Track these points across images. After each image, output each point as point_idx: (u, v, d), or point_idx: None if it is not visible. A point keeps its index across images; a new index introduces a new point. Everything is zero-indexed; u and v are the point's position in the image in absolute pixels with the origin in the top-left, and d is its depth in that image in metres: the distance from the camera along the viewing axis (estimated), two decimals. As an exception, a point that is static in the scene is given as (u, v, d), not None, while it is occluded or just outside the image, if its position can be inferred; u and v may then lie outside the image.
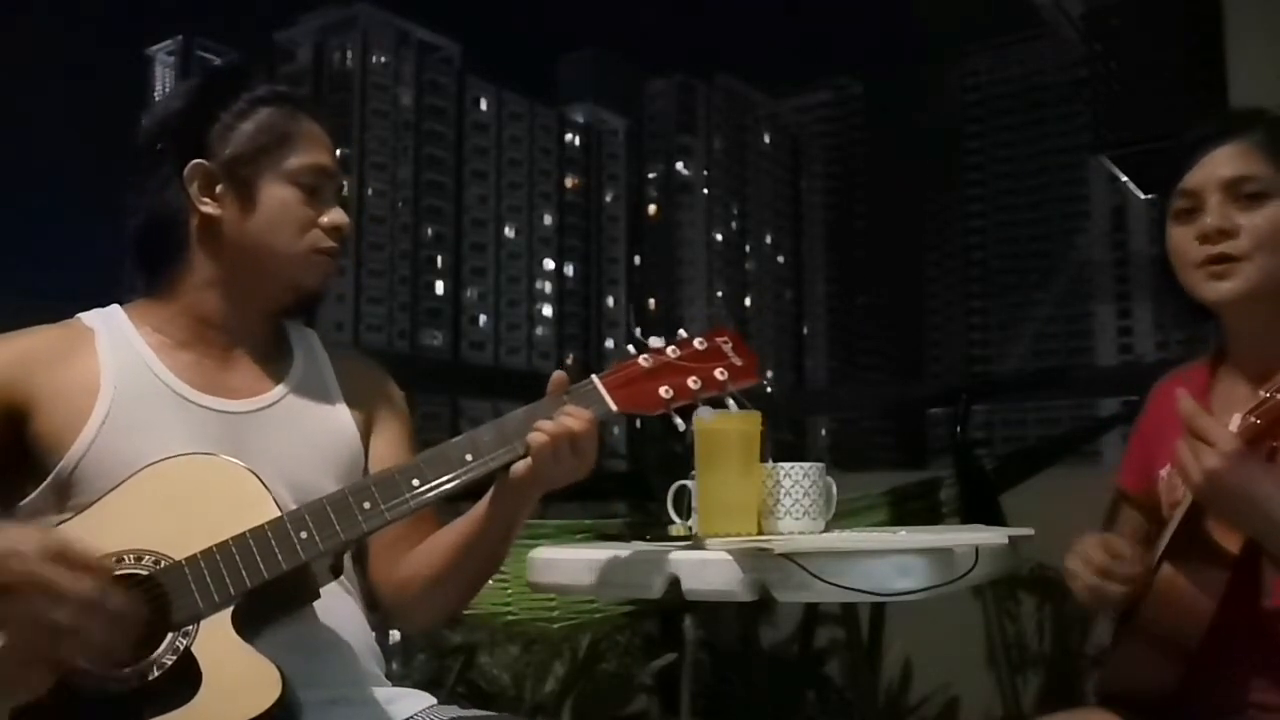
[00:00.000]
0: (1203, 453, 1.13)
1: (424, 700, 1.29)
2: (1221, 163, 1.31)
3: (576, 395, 1.18)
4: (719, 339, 1.24)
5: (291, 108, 1.30)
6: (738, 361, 1.23)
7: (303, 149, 1.28)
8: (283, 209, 1.27)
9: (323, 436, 1.29)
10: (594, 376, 1.20)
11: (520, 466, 1.17)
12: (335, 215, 1.30)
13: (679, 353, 1.22)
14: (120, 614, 1.00)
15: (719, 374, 1.21)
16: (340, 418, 1.32)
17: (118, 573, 1.07)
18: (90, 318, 1.27)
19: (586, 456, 1.17)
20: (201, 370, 1.26)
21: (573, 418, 1.15)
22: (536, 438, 1.15)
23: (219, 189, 1.26)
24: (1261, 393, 1.15)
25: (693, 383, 1.20)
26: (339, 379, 1.35)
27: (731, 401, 1.22)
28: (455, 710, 1.28)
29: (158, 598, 1.07)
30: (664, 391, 1.20)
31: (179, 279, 1.27)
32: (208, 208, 1.25)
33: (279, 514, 1.11)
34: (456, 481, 1.14)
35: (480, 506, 1.24)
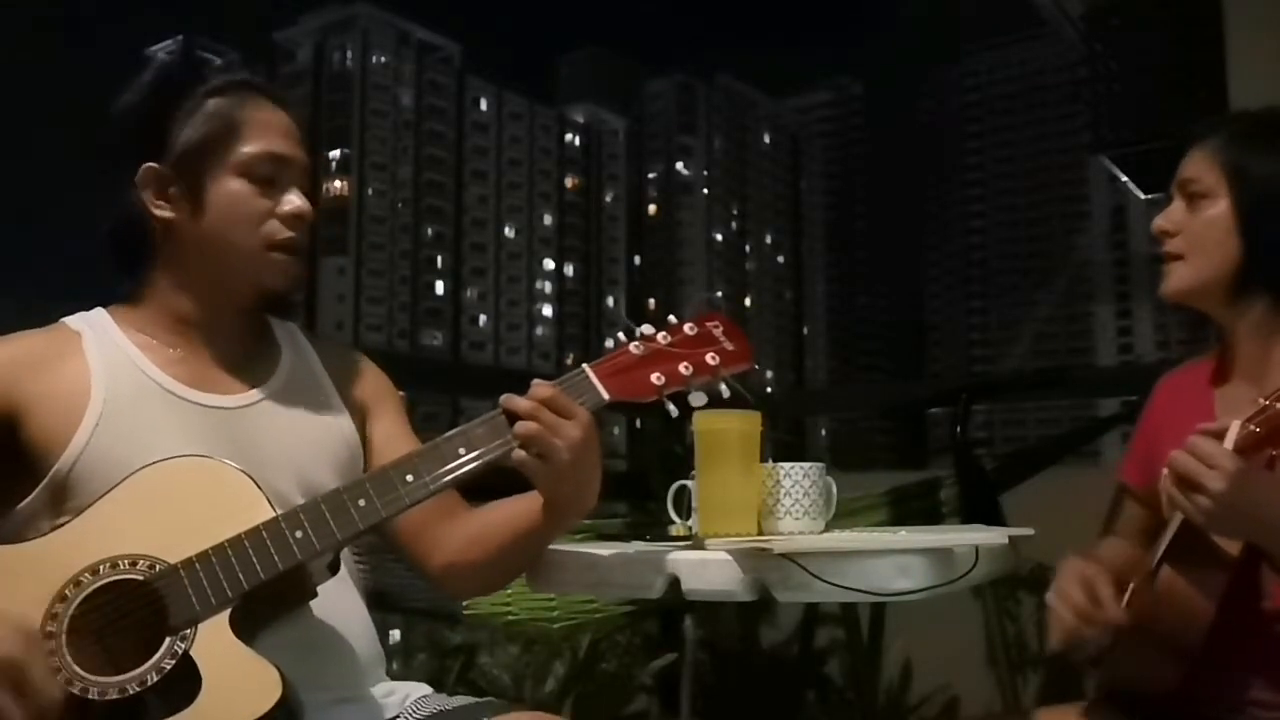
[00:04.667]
0: (1205, 479, 1.11)
1: (420, 690, 1.30)
2: (1183, 165, 1.36)
3: (568, 385, 1.18)
4: (709, 324, 1.23)
5: (242, 94, 1.25)
6: (729, 346, 1.22)
7: (253, 137, 1.24)
8: (233, 203, 1.23)
9: (318, 426, 1.29)
10: (585, 365, 1.20)
11: (536, 468, 1.15)
12: (293, 204, 1.25)
13: (670, 339, 1.21)
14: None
15: (710, 359, 1.20)
16: (333, 407, 1.32)
17: (112, 579, 1.07)
18: (74, 321, 1.27)
19: (560, 440, 1.14)
20: (190, 368, 1.25)
21: (537, 386, 1.14)
22: (520, 425, 1.13)
23: (172, 191, 1.23)
24: (1260, 400, 1.15)
25: (684, 368, 1.19)
26: (327, 369, 1.35)
27: (724, 386, 1.22)
28: (445, 697, 1.28)
29: (154, 602, 1.06)
30: (656, 378, 1.19)
31: (151, 282, 1.26)
32: (163, 211, 1.23)
33: (274, 515, 1.10)
34: (451, 476, 1.14)
35: (526, 519, 1.24)
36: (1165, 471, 1.16)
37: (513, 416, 1.15)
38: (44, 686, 0.99)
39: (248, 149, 1.23)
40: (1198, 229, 1.33)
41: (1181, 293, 1.35)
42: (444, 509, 1.30)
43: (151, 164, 1.23)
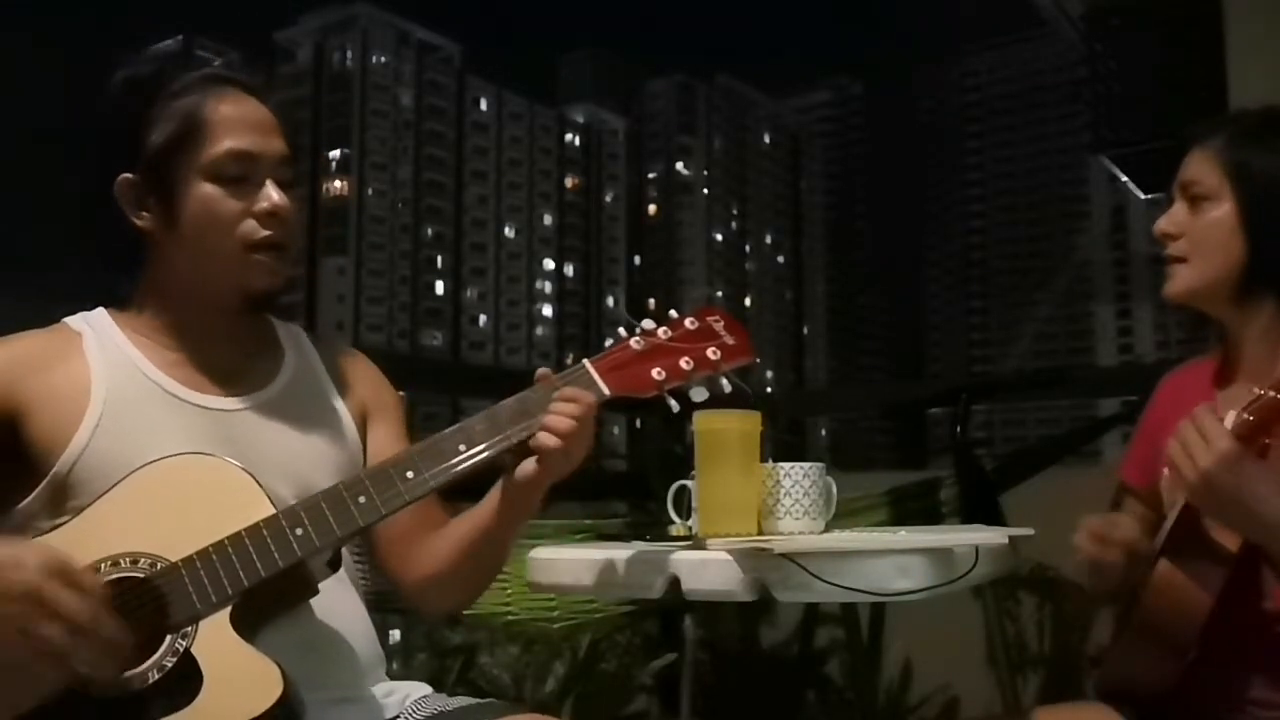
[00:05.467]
0: (1198, 451, 1.13)
1: (421, 690, 1.30)
2: (1183, 167, 1.36)
3: (568, 380, 1.17)
4: (710, 318, 1.23)
5: (207, 89, 1.22)
6: (730, 340, 1.22)
7: (218, 135, 1.20)
8: (205, 209, 1.20)
9: (319, 430, 1.29)
10: (585, 360, 1.19)
11: (528, 466, 1.16)
12: (268, 200, 1.22)
13: (670, 333, 1.21)
14: (110, 641, 0.98)
15: (711, 353, 1.20)
16: (336, 410, 1.32)
17: (114, 576, 1.07)
18: (76, 321, 1.26)
19: (586, 440, 1.15)
20: (191, 369, 1.25)
21: (575, 404, 1.13)
22: (546, 439, 1.13)
23: (149, 200, 1.21)
24: (1255, 390, 1.16)
25: (685, 363, 1.19)
26: (330, 372, 1.34)
27: (725, 380, 1.21)
28: (445, 698, 1.28)
29: (155, 600, 1.06)
30: (656, 373, 1.18)
31: (146, 286, 1.26)
32: (142, 222, 1.22)
33: (274, 512, 1.10)
34: (451, 473, 1.14)
35: (490, 502, 1.23)
36: (1171, 441, 1.17)
37: (510, 414, 1.15)
38: (78, 611, 0.96)
39: (214, 149, 1.20)
40: (1201, 231, 1.33)
41: (1185, 295, 1.36)
42: (428, 521, 1.29)
43: (126, 175, 1.21)
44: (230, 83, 1.24)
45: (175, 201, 1.20)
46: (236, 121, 1.22)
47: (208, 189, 1.20)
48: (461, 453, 1.14)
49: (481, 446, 1.15)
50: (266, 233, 1.22)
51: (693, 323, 1.22)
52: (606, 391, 1.18)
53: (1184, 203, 1.35)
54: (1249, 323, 1.34)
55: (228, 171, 1.20)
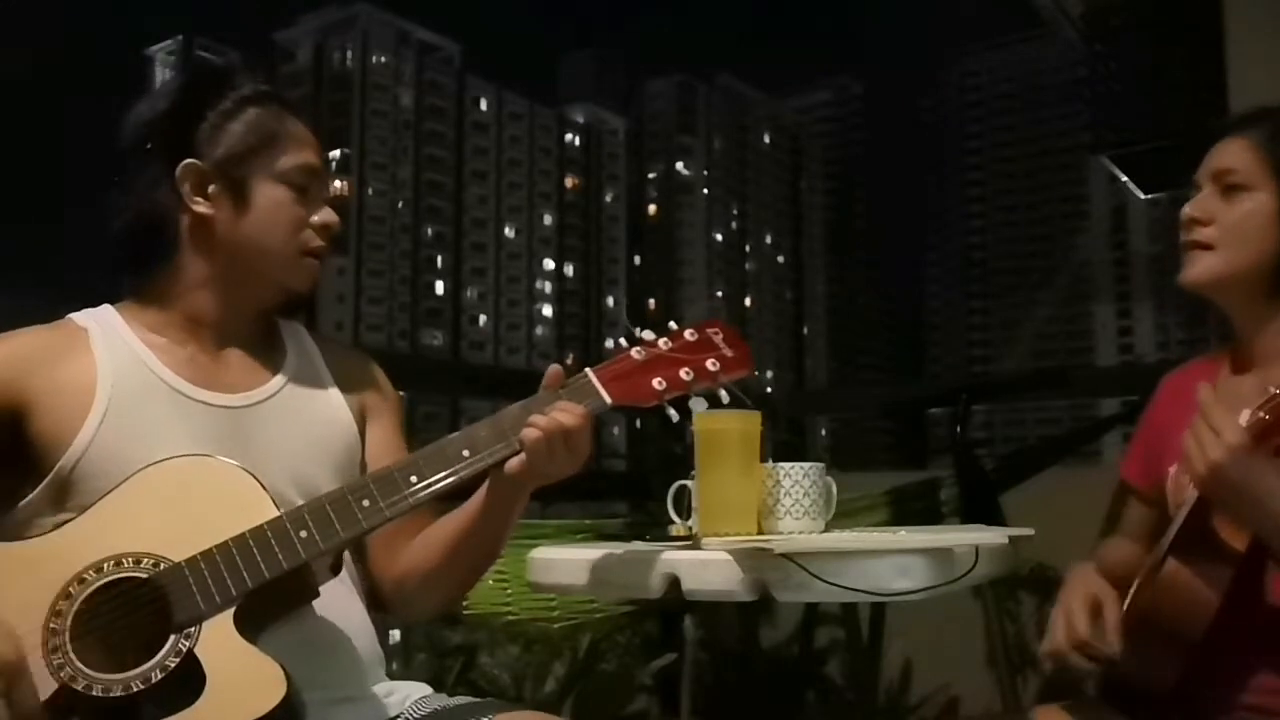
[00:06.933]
0: (1209, 444, 1.13)
1: (421, 690, 1.31)
2: (1216, 155, 1.34)
3: (571, 389, 1.19)
4: (709, 330, 1.25)
5: (278, 107, 1.30)
6: (729, 352, 1.24)
7: (293, 148, 1.29)
8: (276, 209, 1.27)
9: (321, 427, 1.30)
10: (588, 370, 1.22)
11: (514, 461, 1.17)
12: (326, 214, 1.31)
13: (671, 344, 1.23)
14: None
15: (710, 365, 1.22)
16: (336, 408, 1.33)
17: (115, 576, 1.07)
18: (82, 318, 1.27)
19: (580, 450, 1.18)
20: (197, 366, 1.26)
21: (566, 413, 1.16)
22: (529, 433, 1.15)
23: (212, 189, 1.25)
24: (1271, 389, 1.15)
25: (685, 374, 1.22)
26: (331, 369, 1.36)
27: (723, 392, 1.23)
28: (445, 697, 1.29)
29: (158, 600, 1.07)
30: (657, 384, 1.21)
31: (170, 279, 1.27)
32: (201, 208, 1.25)
33: (278, 514, 1.11)
34: (454, 478, 1.15)
35: (476, 500, 1.25)
36: (1175, 466, 1.17)
37: (514, 420, 1.16)
38: (28, 694, 1.00)
39: (288, 160, 1.28)
40: (1234, 220, 1.31)
41: (1207, 283, 1.33)
42: (417, 520, 1.30)
43: (194, 161, 1.25)
44: (287, 106, 1.32)
45: (249, 195, 1.26)
46: (305, 140, 1.31)
47: (280, 191, 1.27)
48: (465, 458, 1.16)
49: (485, 453, 1.16)
50: (321, 243, 1.31)
51: (692, 334, 1.25)
52: (609, 400, 1.20)
53: (1215, 190, 1.33)
54: (1272, 318, 1.32)
55: (296, 181, 1.28)
